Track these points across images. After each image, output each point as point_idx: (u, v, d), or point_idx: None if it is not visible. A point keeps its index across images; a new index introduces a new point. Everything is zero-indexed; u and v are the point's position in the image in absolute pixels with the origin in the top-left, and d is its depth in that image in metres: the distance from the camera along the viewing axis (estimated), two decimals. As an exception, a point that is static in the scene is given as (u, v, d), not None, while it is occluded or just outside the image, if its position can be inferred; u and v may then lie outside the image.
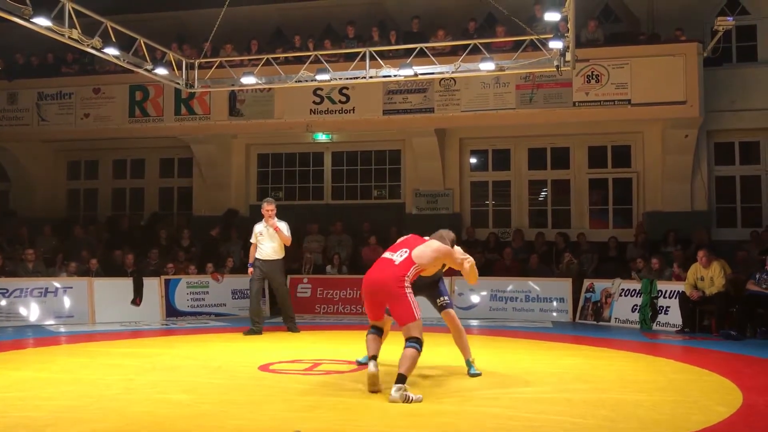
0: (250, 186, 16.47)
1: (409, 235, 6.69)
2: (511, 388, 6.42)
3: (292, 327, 10.69)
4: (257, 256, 10.52)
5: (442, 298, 7.17)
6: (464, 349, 7.13)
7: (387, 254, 6.38)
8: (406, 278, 6.06)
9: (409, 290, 6.06)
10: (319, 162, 16.25)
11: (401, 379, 5.76)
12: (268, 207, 10.49)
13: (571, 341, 9.96)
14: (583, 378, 6.91)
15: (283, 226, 10.52)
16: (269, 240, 10.49)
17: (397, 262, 6.18)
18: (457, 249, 6.83)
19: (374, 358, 6.21)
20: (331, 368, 7.33)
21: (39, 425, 5.02)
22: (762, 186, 14.21)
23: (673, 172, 14.05)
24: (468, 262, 6.73)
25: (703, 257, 10.82)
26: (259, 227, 10.59)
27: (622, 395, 6.10)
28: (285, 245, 10.63)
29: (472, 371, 6.98)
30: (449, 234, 6.88)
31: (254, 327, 10.38)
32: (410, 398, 5.67)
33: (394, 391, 5.69)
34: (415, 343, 5.91)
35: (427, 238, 6.70)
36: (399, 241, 6.65)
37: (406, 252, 6.27)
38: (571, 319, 12.50)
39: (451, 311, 7.14)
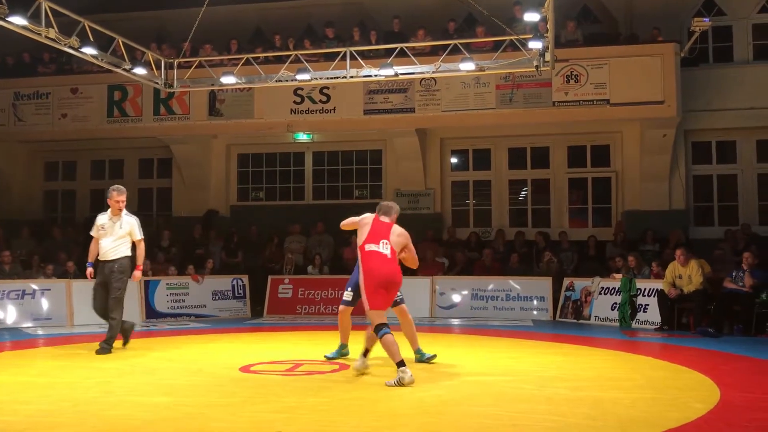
0: (230, 186, 16.39)
1: (373, 220, 6.97)
2: (492, 386, 6.45)
3: (102, 348, 8.38)
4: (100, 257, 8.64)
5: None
6: (413, 340, 7.61)
7: (372, 246, 6.70)
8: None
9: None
10: (300, 162, 16.20)
11: (400, 363, 6.38)
12: (119, 197, 8.63)
13: (551, 340, 10.02)
14: (564, 376, 6.96)
15: (133, 222, 8.81)
16: (111, 236, 8.61)
17: (389, 256, 6.68)
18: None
19: (403, 362, 6.45)
20: (312, 369, 7.31)
21: (16, 430, 4.95)
22: (738, 185, 14.39)
23: (652, 172, 14.19)
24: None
25: (681, 255, 10.93)
26: (102, 219, 8.75)
27: (602, 393, 6.15)
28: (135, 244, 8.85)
29: (426, 357, 7.54)
30: (394, 205, 7.26)
31: (104, 345, 8.41)
32: (405, 379, 6.27)
33: (402, 374, 6.28)
34: (384, 328, 6.52)
35: (384, 218, 7.02)
36: (366, 226, 6.87)
37: (387, 243, 6.74)
38: (551, 318, 12.58)
39: (404, 306, 7.52)
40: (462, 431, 4.97)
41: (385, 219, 7.01)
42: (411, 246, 7.10)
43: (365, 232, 6.81)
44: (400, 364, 6.32)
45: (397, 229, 6.97)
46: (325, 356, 7.89)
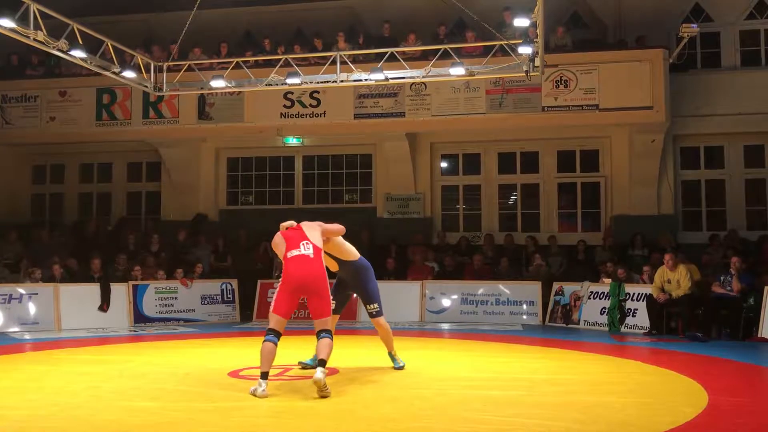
0: (219, 190, 16.33)
1: (294, 229, 6.85)
2: (482, 391, 6.45)
3: None
4: None
5: (371, 306, 7.39)
6: (389, 345, 7.59)
7: (294, 252, 6.52)
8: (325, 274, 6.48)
9: (328, 284, 6.51)
10: (290, 166, 16.18)
11: (323, 363, 6.22)
12: None
13: (540, 344, 10.02)
14: (553, 380, 6.96)
15: None
16: None
17: (312, 256, 6.49)
18: (338, 228, 7.27)
19: (266, 375, 6.22)
20: (301, 373, 7.28)
21: (2, 435, 4.91)
22: (726, 190, 14.49)
23: (640, 176, 14.26)
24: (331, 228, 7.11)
25: (670, 260, 10.98)
26: None
27: (591, 397, 6.16)
28: None
29: (396, 365, 7.49)
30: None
31: None
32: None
33: (319, 372, 6.09)
34: (328, 334, 6.42)
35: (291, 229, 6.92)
36: (282, 241, 6.70)
37: (308, 243, 6.57)
38: (540, 322, 12.60)
39: (381, 319, 7.42)
40: (452, 436, 4.96)
41: (292, 225, 6.90)
42: (326, 226, 7.01)
43: (283, 246, 6.63)
44: (264, 375, 6.22)
45: (307, 224, 6.86)
46: (299, 362, 7.62)
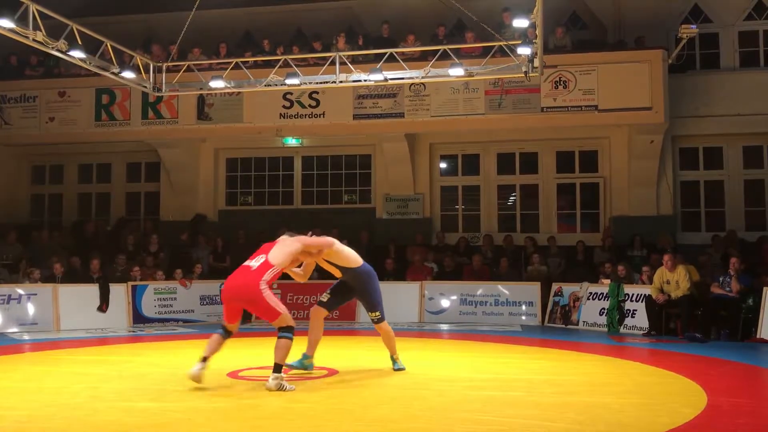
0: (218, 191, 16.33)
1: (271, 242, 6.92)
2: (481, 391, 6.45)
3: None
4: None
5: (374, 314, 7.31)
6: (391, 349, 7.50)
7: (247, 262, 6.65)
8: (261, 282, 6.37)
9: (266, 291, 6.37)
10: (289, 166, 16.18)
11: (277, 368, 6.28)
12: None
13: (539, 345, 10.03)
14: (552, 381, 6.96)
15: None
16: None
17: (254, 268, 6.50)
18: (327, 239, 7.10)
19: (205, 359, 6.47)
20: (301, 374, 7.28)
21: (1, 436, 4.91)
22: (725, 191, 14.50)
23: (639, 177, 14.26)
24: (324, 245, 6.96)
25: (669, 261, 10.99)
26: None
27: (590, 398, 6.17)
28: None
29: (396, 366, 7.41)
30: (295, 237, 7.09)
31: None
32: (285, 387, 6.24)
33: (271, 380, 6.21)
34: (286, 332, 6.40)
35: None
36: (260, 248, 6.85)
37: (262, 257, 6.59)
38: (540, 323, 12.60)
39: (384, 324, 7.37)
40: (451, 437, 4.96)
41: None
42: (309, 240, 6.89)
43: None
44: (203, 359, 6.47)
45: (285, 239, 6.81)
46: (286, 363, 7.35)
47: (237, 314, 6.60)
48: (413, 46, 13.29)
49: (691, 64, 14.26)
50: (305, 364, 7.31)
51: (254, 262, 6.55)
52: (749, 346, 9.85)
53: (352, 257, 7.21)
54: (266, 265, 6.48)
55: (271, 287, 6.50)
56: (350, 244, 14.67)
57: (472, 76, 11.41)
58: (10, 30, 9.01)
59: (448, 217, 15.70)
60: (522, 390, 6.49)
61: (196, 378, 6.40)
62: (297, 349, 7.30)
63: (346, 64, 11.56)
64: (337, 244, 7.12)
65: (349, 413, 5.57)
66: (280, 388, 6.21)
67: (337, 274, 7.30)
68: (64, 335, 11.10)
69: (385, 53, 11.71)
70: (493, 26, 11.80)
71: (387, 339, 7.48)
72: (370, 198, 15.81)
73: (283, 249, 6.66)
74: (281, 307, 6.46)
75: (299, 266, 7.23)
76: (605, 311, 11.84)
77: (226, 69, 12.39)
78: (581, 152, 15.09)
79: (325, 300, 7.42)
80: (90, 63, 10.71)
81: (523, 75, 10.98)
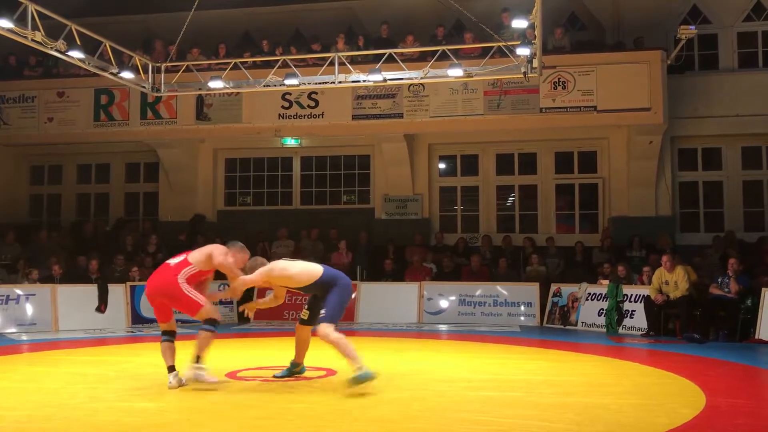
0: (217, 191, 16.33)
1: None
2: (480, 392, 6.45)
3: None
4: None
5: (315, 312, 6.81)
6: (299, 355, 7.13)
7: (168, 260, 6.76)
8: (179, 276, 6.45)
9: (184, 285, 6.44)
10: (288, 167, 16.18)
11: (197, 359, 6.37)
12: None
13: (538, 345, 10.04)
14: (551, 382, 6.97)
15: None
16: None
17: (172, 265, 6.61)
18: (261, 270, 6.72)
19: (173, 368, 6.51)
20: (297, 375, 7.27)
21: (0, 436, 4.91)
22: (724, 191, 14.51)
23: (638, 178, 14.27)
24: (239, 279, 6.69)
25: (667, 261, 11.00)
26: None
27: (589, 398, 6.17)
28: None
29: (295, 369, 7.13)
30: (257, 260, 6.93)
31: None
32: (204, 378, 6.33)
33: (188, 369, 6.35)
34: (210, 325, 6.48)
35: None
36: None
37: (183, 256, 6.71)
38: (538, 324, 12.61)
39: (307, 328, 6.93)
40: (450, 437, 4.97)
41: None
42: (223, 264, 6.62)
43: None
44: (169, 369, 6.54)
45: (208, 248, 6.75)
46: (274, 375, 7.13)
47: (167, 311, 6.67)
48: (412, 47, 13.29)
49: (689, 64, 14.27)
50: (294, 371, 7.11)
51: (173, 260, 6.69)
52: (748, 347, 9.86)
53: (305, 274, 6.67)
54: (184, 263, 6.60)
55: (196, 286, 6.55)
56: (350, 245, 14.79)
57: (471, 76, 11.41)
58: (9, 30, 9.00)
59: (447, 217, 15.70)
60: (521, 390, 6.49)
61: (178, 386, 6.45)
62: (320, 347, 6.94)
63: (345, 65, 11.56)
64: (277, 270, 6.66)
65: (347, 413, 5.57)
66: (198, 378, 6.32)
67: (281, 299, 6.99)
68: (63, 336, 11.09)
69: (385, 54, 11.72)
70: (492, 27, 11.80)
71: (301, 344, 7.02)
72: (369, 198, 15.81)
73: (202, 250, 6.77)
74: (202, 300, 6.51)
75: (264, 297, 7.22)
76: (604, 312, 11.84)
77: (225, 69, 12.39)
78: (580, 153, 15.09)
79: (306, 318, 6.94)
80: (89, 63, 10.71)
81: (522, 76, 10.98)
